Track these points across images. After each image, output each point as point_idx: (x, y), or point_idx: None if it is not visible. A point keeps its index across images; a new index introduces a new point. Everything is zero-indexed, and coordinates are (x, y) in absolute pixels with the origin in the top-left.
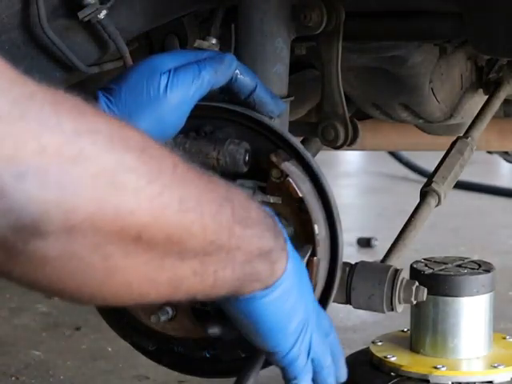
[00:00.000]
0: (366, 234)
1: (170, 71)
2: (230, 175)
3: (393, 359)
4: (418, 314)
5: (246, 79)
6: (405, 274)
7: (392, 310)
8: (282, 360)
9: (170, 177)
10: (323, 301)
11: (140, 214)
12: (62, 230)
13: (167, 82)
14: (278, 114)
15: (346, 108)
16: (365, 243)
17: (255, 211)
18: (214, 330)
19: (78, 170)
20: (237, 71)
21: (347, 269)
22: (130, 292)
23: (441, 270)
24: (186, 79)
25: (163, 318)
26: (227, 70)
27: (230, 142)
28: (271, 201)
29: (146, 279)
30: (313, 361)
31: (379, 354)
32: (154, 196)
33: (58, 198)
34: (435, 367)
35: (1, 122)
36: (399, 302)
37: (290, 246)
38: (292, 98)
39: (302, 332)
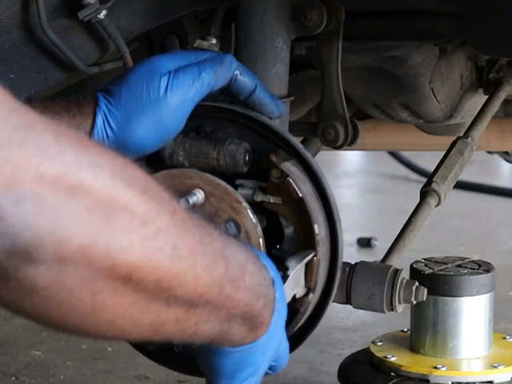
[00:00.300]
0: (366, 234)
1: (169, 72)
2: (230, 175)
3: (393, 359)
4: (418, 314)
5: (245, 80)
6: (405, 274)
7: (392, 309)
8: None
9: (167, 222)
10: (323, 301)
11: (131, 254)
12: (54, 259)
13: (167, 84)
14: (278, 116)
15: (345, 108)
16: (365, 243)
17: (251, 275)
18: None
19: (74, 202)
20: (236, 72)
21: (347, 269)
22: (113, 329)
23: (441, 270)
24: (185, 81)
25: None
26: (227, 71)
27: (229, 142)
28: (271, 201)
29: (130, 319)
30: None
31: (379, 354)
32: (146, 238)
33: (52, 226)
34: (435, 367)
35: (1, 148)
36: (399, 302)
37: (277, 307)
38: (292, 98)
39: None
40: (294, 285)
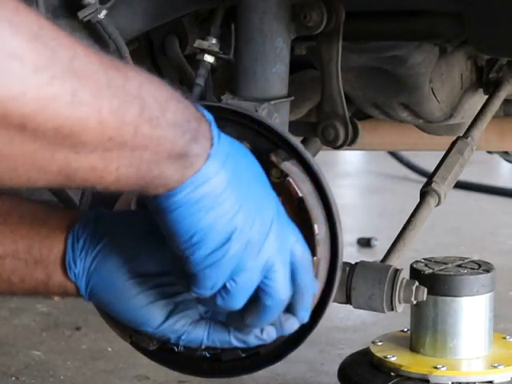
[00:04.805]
0: (366, 234)
1: None
2: None
3: (393, 359)
4: (418, 313)
5: None
6: (405, 274)
7: (392, 309)
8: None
9: (64, 68)
10: (323, 300)
11: (23, 102)
12: None
13: None
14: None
15: (345, 108)
16: (365, 243)
17: (173, 112)
18: None
19: None
20: None
21: (347, 269)
22: (17, 177)
23: (441, 270)
24: None
25: None
26: None
27: None
28: None
29: (35, 167)
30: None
31: (379, 354)
32: (40, 85)
33: None
34: (435, 367)
35: None
36: (399, 302)
37: (226, 150)
38: (292, 98)
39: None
40: None
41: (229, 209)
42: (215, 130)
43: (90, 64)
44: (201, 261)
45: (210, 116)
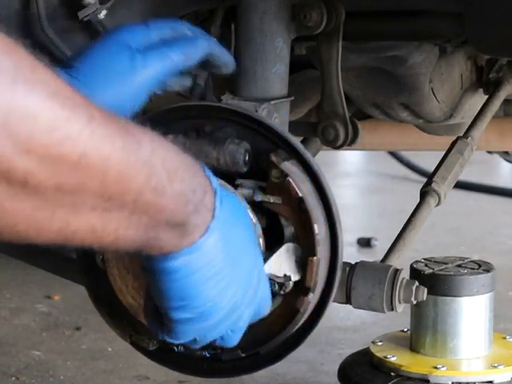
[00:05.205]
0: (366, 234)
1: (138, 50)
2: (230, 175)
3: (393, 359)
4: (418, 313)
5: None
6: (405, 274)
7: (392, 309)
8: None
9: (79, 129)
10: (323, 300)
11: (28, 159)
12: None
13: (133, 61)
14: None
15: (345, 108)
16: (365, 243)
17: (181, 182)
18: None
19: None
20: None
21: (347, 269)
22: (16, 234)
23: (441, 270)
24: (154, 60)
25: None
26: (197, 54)
27: (229, 142)
28: (271, 201)
29: (35, 225)
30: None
31: (379, 354)
32: (50, 145)
33: None
34: (435, 367)
35: None
36: (399, 302)
37: (225, 218)
38: (292, 98)
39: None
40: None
41: (219, 279)
42: (218, 200)
43: (108, 126)
44: (182, 321)
45: (215, 182)
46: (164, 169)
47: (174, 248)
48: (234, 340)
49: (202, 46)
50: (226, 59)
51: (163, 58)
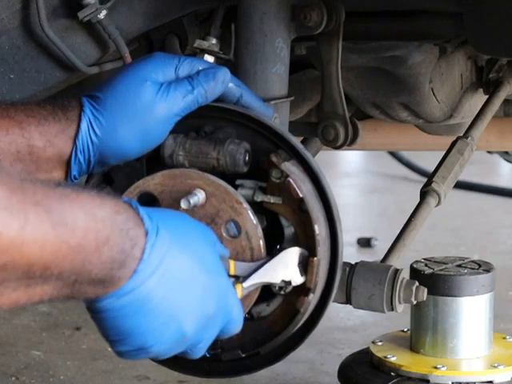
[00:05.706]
0: (366, 234)
1: (161, 84)
2: (230, 175)
3: (393, 359)
4: (418, 313)
5: (232, 88)
6: (405, 274)
7: (392, 309)
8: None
9: (12, 236)
10: (323, 300)
11: None
12: None
13: (157, 95)
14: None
15: (345, 108)
16: (365, 243)
17: (109, 250)
18: None
19: None
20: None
21: (347, 269)
22: None
23: (441, 270)
24: (176, 94)
25: None
26: (218, 88)
27: (230, 142)
28: (271, 201)
29: None
30: None
31: (379, 354)
32: None
33: None
34: (435, 367)
35: None
36: (399, 302)
37: (163, 253)
38: (292, 98)
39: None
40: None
41: (156, 315)
42: (152, 238)
43: (38, 227)
44: (124, 352)
45: (148, 222)
46: (95, 241)
47: (99, 296)
48: (198, 354)
49: (224, 82)
50: (243, 93)
51: (186, 93)
